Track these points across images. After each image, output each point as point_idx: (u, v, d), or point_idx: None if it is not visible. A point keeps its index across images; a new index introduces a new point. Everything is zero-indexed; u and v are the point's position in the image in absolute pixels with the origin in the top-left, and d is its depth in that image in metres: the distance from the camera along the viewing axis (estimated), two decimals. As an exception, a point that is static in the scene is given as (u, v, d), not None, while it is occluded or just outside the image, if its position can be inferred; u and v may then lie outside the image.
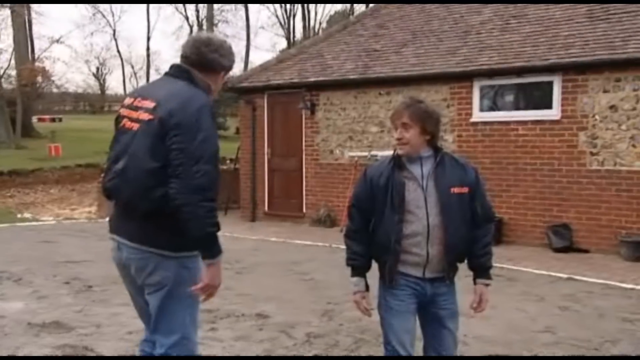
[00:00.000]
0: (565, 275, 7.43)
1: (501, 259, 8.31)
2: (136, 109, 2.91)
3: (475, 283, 3.21)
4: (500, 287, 6.77)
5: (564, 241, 9.03)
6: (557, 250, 8.97)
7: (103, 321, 5.40)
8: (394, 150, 3.15)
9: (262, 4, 46.09)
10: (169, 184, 2.71)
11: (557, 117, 9.25)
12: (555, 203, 9.28)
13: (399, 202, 3.01)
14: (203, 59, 3.00)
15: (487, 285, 3.21)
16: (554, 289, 6.85)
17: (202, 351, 4.65)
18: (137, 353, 3.32)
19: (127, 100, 3.03)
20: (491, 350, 4.85)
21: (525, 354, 4.78)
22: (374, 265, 3.21)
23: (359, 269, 3.19)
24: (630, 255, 8.40)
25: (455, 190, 3.04)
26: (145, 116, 2.84)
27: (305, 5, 44.80)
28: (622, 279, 7.35)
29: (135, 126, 2.86)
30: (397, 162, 3.08)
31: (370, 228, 3.13)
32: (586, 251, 8.94)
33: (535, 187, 9.44)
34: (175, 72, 3.03)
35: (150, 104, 2.85)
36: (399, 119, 3.05)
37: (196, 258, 2.93)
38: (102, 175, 3.11)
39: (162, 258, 2.86)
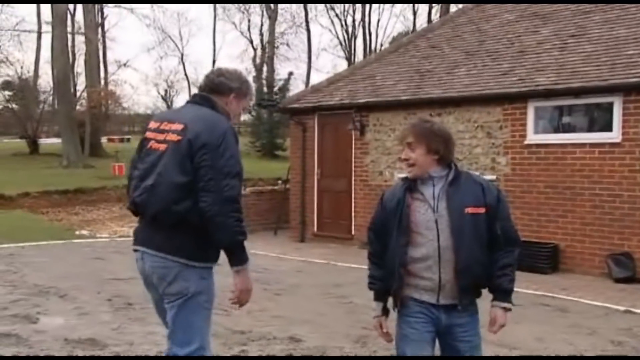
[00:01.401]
0: (622, 308, 7.04)
1: (554, 287, 8.04)
2: (163, 132, 3.19)
3: (492, 305, 3.02)
4: (550, 318, 6.51)
5: (626, 271, 8.63)
6: (618, 280, 8.57)
7: (137, 339, 5.43)
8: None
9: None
10: (199, 198, 2.98)
11: (618, 140, 8.90)
12: (617, 230, 8.89)
13: (406, 224, 2.94)
14: (211, 83, 3.33)
15: (504, 309, 2.99)
16: (609, 322, 6.49)
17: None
18: None
19: (153, 125, 3.30)
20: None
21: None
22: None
23: (378, 292, 3.12)
24: (696, 288, 7.97)
25: (470, 210, 2.92)
26: (173, 137, 3.11)
27: (367, 27, 45.06)
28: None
29: (163, 147, 3.13)
30: (409, 185, 3.02)
31: None
32: (649, 282, 8.52)
33: (594, 213, 9.08)
34: (198, 100, 3.34)
35: (178, 127, 3.13)
36: (405, 139, 3.03)
37: (212, 270, 3.22)
38: (128, 193, 3.34)
39: (184, 267, 3.07)
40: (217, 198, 2.98)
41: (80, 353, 5.07)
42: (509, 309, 3.02)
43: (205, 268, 3.17)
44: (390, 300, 3.11)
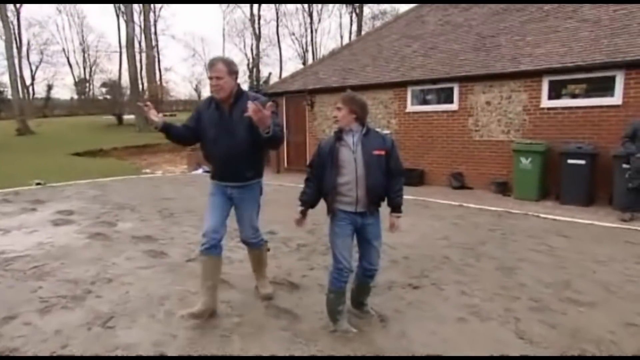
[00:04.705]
0: (457, 203, 6.97)
1: (422, 194, 7.89)
2: None
3: (390, 215, 2.78)
4: (419, 211, 6.36)
5: (459, 183, 8.55)
6: (455, 188, 8.50)
7: (176, 236, 5.03)
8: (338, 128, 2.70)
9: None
10: None
11: (456, 109, 8.63)
12: (454, 160, 8.78)
13: (335, 161, 2.60)
14: None
15: (397, 217, 2.78)
16: (451, 211, 6.41)
17: (233, 255, 4.25)
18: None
19: None
20: (407, 251, 4.41)
21: (429, 253, 4.34)
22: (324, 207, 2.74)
23: (304, 202, 2.78)
24: (495, 190, 7.95)
25: (375, 152, 2.61)
26: None
27: (314, 45, 43.30)
28: (490, 204, 6.90)
29: None
30: (338, 136, 2.66)
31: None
32: (471, 188, 8.46)
33: (443, 151, 8.88)
34: None
35: None
36: (336, 104, 2.67)
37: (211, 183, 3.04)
38: None
39: None
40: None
41: (140, 244, 4.64)
42: (400, 216, 2.78)
43: None
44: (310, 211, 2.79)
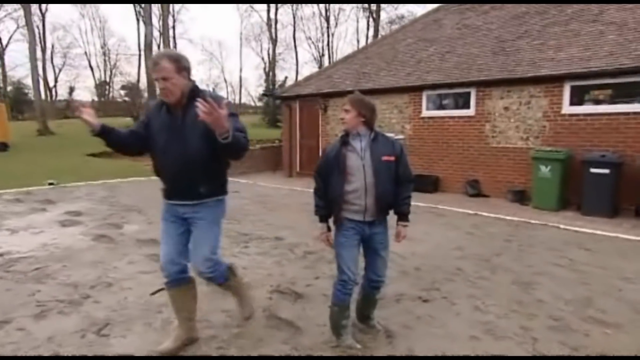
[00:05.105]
0: (472, 212, 6.70)
1: (436, 201, 7.65)
2: None
3: (397, 224, 2.60)
4: (432, 220, 6.14)
5: (475, 190, 8.27)
6: (471, 196, 8.22)
7: (181, 240, 4.93)
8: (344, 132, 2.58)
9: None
10: None
11: (473, 114, 8.35)
12: (470, 167, 8.48)
13: (342, 168, 2.45)
14: None
15: (404, 226, 2.60)
16: (466, 220, 6.16)
17: (237, 261, 4.13)
18: None
19: None
20: (418, 261, 4.22)
21: (441, 264, 4.13)
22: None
23: (322, 217, 2.63)
24: (512, 199, 7.65)
25: (384, 158, 2.46)
26: None
27: (330, 49, 43.25)
28: (507, 213, 6.62)
29: None
30: (344, 140, 2.51)
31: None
32: (487, 196, 8.17)
33: (458, 157, 8.63)
34: None
35: None
36: (344, 106, 2.53)
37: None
38: None
39: None
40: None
41: (144, 248, 4.55)
42: (407, 225, 2.61)
43: None
44: (330, 221, 2.63)
